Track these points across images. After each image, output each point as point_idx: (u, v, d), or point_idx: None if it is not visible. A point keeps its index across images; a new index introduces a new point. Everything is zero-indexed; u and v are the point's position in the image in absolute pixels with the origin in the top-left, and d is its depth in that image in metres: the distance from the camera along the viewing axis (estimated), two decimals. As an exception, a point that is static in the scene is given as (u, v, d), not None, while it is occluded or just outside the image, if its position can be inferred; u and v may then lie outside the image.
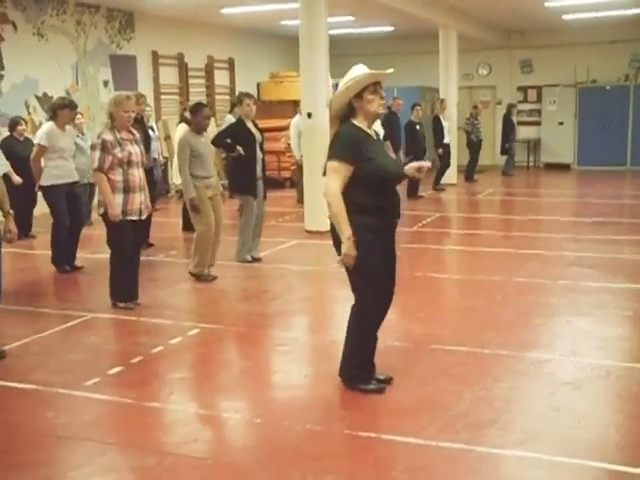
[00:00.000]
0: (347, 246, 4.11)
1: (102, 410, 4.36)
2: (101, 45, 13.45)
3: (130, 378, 4.80)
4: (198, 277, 7.35)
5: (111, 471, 3.61)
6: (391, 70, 4.38)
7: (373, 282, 4.28)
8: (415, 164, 4.48)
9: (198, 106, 7.50)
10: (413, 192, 13.56)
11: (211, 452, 3.81)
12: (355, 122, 4.26)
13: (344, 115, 4.29)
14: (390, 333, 5.41)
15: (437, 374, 4.77)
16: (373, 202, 4.19)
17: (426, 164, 4.50)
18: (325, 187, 4.17)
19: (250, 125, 8.02)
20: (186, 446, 3.82)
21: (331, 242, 4.36)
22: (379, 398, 4.38)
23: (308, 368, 5.17)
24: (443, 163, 14.97)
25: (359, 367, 4.49)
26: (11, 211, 5.56)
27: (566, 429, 3.94)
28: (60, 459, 3.73)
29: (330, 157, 4.19)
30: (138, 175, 6.29)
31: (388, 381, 4.56)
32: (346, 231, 4.11)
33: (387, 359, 4.86)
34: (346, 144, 4.17)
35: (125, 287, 6.36)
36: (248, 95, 8.15)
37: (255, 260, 8.22)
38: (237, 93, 8.64)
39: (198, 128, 7.34)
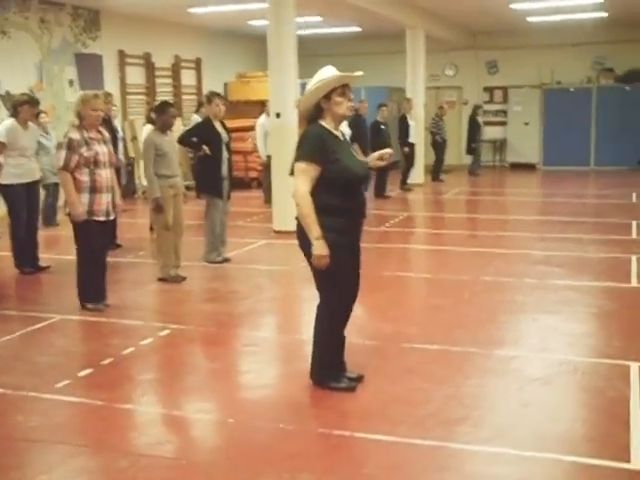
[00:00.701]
0: (318, 247, 4.13)
1: (73, 412, 4.33)
2: (66, 44, 13.29)
3: (101, 380, 4.76)
4: (167, 280, 7.31)
5: (83, 473, 3.58)
6: (360, 73, 4.40)
7: (338, 282, 4.31)
8: (376, 154, 4.55)
9: (164, 105, 7.47)
10: (380, 192, 13.63)
11: (185, 453, 3.80)
12: (322, 123, 4.27)
13: (311, 116, 4.31)
14: (359, 332, 5.46)
15: (407, 372, 4.81)
16: (339, 203, 4.21)
17: (387, 151, 4.57)
18: (294, 188, 4.19)
19: (217, 125, 8.00)
20: (159, 447, 3.81)
21: (297, 242, 4.37)
22: (350, 397, 4.41)
23: (278, 368, 5.18)
24: (408, 163, 15.06)
25: (328, 366, 4.52)
26: None
27: (535, 424, 4.01)
28: (31, 463, 3.69)
29: (298, 158, 4.20)
30: (105, 175, 6.21)
31: (359, 379, 4.59)
32: (315, 231, 4.12)
33: (357, 357, 4.90)
34: (313, 145, 4.18)
35: (94, 288, 6.31)
36: (218, 95, 8.14)
37: (225, 260, 8.21)
38: (206, 92, 8.59)
39: (163, 127, 7.31)
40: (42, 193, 9.03)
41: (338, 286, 4.33)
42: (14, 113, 7.69)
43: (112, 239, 8.59)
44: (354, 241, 4.42)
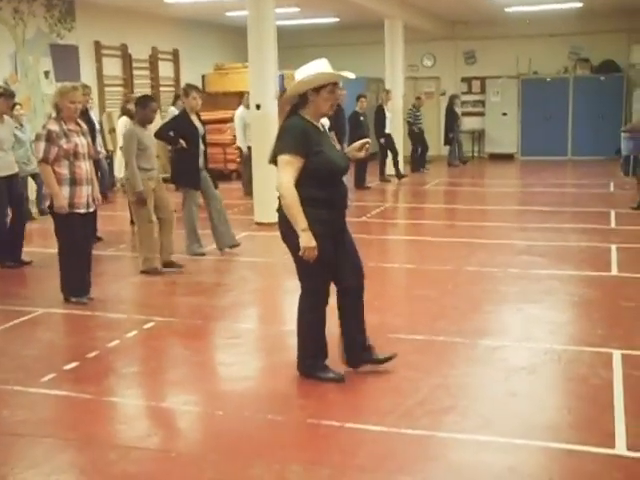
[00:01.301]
0: (305, 238, 4.13)
1: (60, 406, 4.31)
2: (41, 34, 13.11)
3: (87, 373, 4.74)
4: (149, 273, 7.28)
5: (73, 467, 3.57)
6: (353, 75, 4.44)
7: (320, 272, 4.32)
8: (356, 144, 4.57)
9: (147, 99, 7.46)
10: (360, 183, 13.65)
11: (174, 445, 3.79)
12: (304, 115, 4.28)
13: (294, 104, 4.32)
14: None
15: (394, 362, 4.79)
16: (321, 194, 4.23)
17: (366, 140, 4.60)
18: (278, 181, 4.19)
19: (194, 118, 7.99)
20: (148, 440, 3.80)
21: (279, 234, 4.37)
22: (337, 387, 4.41)
23: (264, 359, 5.18)
24: (383, 155, 15.05)
25: (313, 356, 4.53)
26: None
27: (522, 412, 4.05)
28: (18, 457, 3.66)
29: (281, 151, 4.20)
30: (85, 167, 6.17)
31: (392, 357, 4.62)
32: (301, 223, 4.13)
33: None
34: (296, 137, 4.18)
35: (77, 281, 6.26)
36: (195, 88, 8.11)
37: (234, 246, 8.22)
38: (183, 85, 8.54)
39: (144, 121, 7.30)
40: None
41: (320, 276, 4.34)
42: None
43: (93, 232, 8.51)
44: (337, 231, 4.42)
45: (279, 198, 4.23)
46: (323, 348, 4.55)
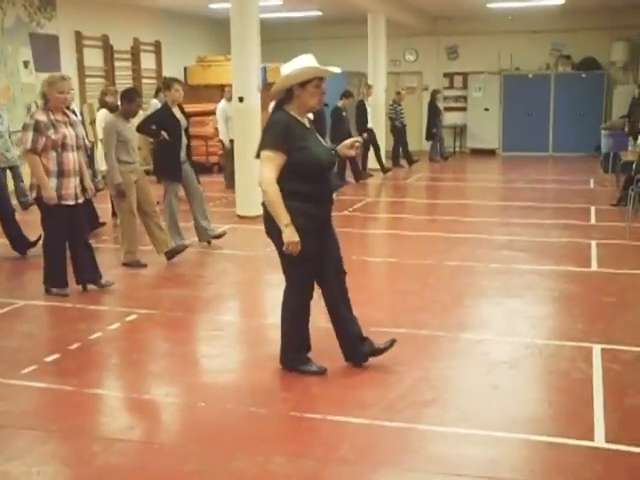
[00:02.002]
0: (288, 234, 4.14)
1: (41, 398, 4.29)
2: (20, 23, 12.94)
3: (69, 365, 4.72)
4: (132, 265, 7.25)
5: (55, 459, 3.56)
6: (338, 70, 4.43)
7: (304, 266, 4.33)
8: (347, 142, 4.58)
9: (133, 93, 7.47)
10: (340, 178, 13.63)
11: (157, 437, 3.80)
12: (289, 110, 4.28)
13: (279, 99, 4.32)
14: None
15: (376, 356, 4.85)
16: (306, 189, 4.24)
17: (356, 139, 4.63)
18: (260, 176, 4.21)
19: (176, 110, 7.98)
20: (131, 431, 3.80)
21: (262, 227, 4.37)
22: (320, 380, 4.44)
23: (246, 352, 5.18)
24: (365, 149, 15.04)
25: (297, 350, 4.54)
26: None
27: (503, 406, 4.09)
28: (1, 449, 3.64)
29: (264, 146, 4.21)
30: (73, 159, 6.11)
31: (392, 343, 4.63)
32: (284, 219, 4.14)
33: (326, 341, 4.91)
34: (279, 133, 4.19)
35: (59, 272, 6.22)
36: (177, 80, 8.14)
37: (219, 237, 8.27)
38: (164, 77, 8.52)
39: (127, 114, 7.29)
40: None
41: (304, 270, 4.36)
42: None
43: (93, 220, 8.66)
44: (322, 227, 4.44)
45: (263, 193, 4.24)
46: (306, 341, 4.57)
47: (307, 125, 4.38)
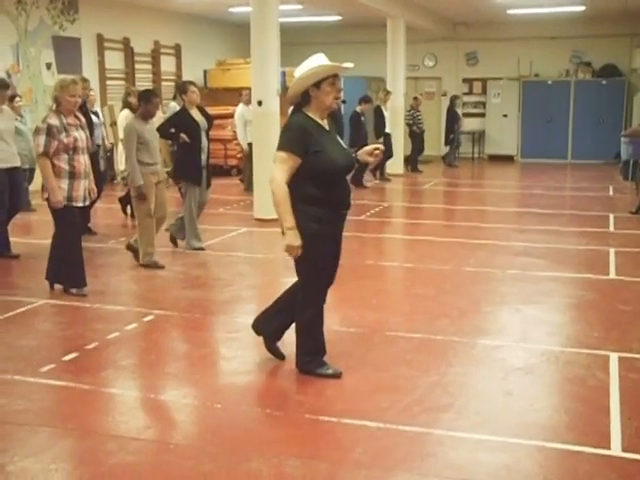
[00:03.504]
0: (289, 237, 4.15)
1: (59, 396, 4.32)
2: (43, 26, 13.10)
3: (86, 364, 4.76)
4: (149, 266, 7.30)
5: (72, 457, 3.59)
6: (351, 65, 4.40)
7: (318, 271, 4.35)
8: (368, 148, 4.59)
9: (150, 94, 7.49)
10: (357, 182, 13.65)
11: (173, 437, 3.81)
12: (308, 112, 4.28)
13: (297, 103, 4.32)
14: (344, 320, 5.52)
15: (392, 360, 4.86)
16: (320, 193, 4.22)
17: (379, 146, 4.62)
18: (271, 176, 4.20)
19: (194, 112, 8.00)
20: (148, 431, 3.82)
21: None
22: (336, 383, 4.44)
23: (263, 354, 5.15)
24: (384, 153, 15.05)
25: (312, 353, 4.56)
26: None
27: (519, 412, 4.07)
28: (18, 446, 3.67)
29: (279, 147, 4.21)
30: (83, 161, 6.20)
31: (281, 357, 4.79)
32: (288, 221, 4.14)
33: (342, 345, 4.96)
34: (295, 136, 4.19)
35: (78, 273, 6.28)
36: (191, 82, 8.24)
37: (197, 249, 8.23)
38: (176, 83, 8.61)
39: (145, 115, 7.32)
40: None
41: (319, 275, 4.37)
42: None
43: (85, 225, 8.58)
44: (337, 232, 4.45)
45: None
46: (321, 345, 4.58)
47: (326, 127, 4.36)
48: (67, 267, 6.29)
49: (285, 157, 4.15)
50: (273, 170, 4.19)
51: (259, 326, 4.84)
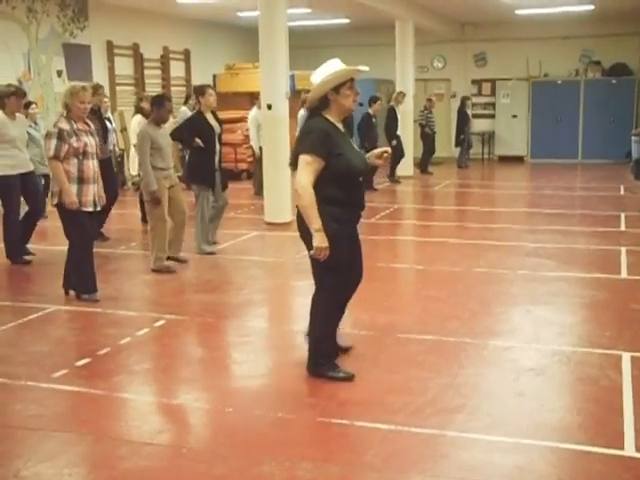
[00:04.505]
0: (318, 239, 4.18)
1: (72, 402, 4.35)
2: (54, 33, 13.20)
3: (99, 369, 4.78)
4: (161, 271, 7.33)
5: (86, 461, 3.61)
6: (366, 68, 4.45)
7: (337, 271, 4.37)
8: (376, 151, 4.66)
9: (161, 99, 7.53)
10: (367, 184, 13.66)
11: (185, 441, 3.82)
12: (327, 116, 4.33)
13: (316, 107, 4.37)
14: (356, 322, 5.52)
15: (404, 362, 4.86)
16: (341, 194, 4.28)
17: (386, 149, 4.69)
18: (297, 180, 4.25)
19: (209, 117, 8.04)
20: (160, 435, 3.84)
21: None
22: (347, 386, 4.44)
23: (274, 358, 5.20)
24: (396, 155, 15.06)
25: (325, 355, 4.57)
26: None
27: (531, 413, 4.06)
28: (32, 451, 3.70)
29: (303, 150, 4.25)
30: (92, 167, 6.25)
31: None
32: (315, 223, 4.18)
33: (354, 347, 4.95)
34: (319, 139, 4.23)
35: (89, 279, 6.31)
36: (209, 86, 8.26)
37: (212, 244, 8.36)
38: (194, 85, 8.65)
39: (158, 120, 7.36)
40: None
41: (336, 276, 4.39)
42: (1, 105, 7.65)
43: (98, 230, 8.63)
44: (354, 231, 4.53)
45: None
46: (334, 347, 4.59)
47: (342, 130, 4.43)
48: (78, 273, 6.32)
49: (310, 160, 4.21)
50: (299, 174, 4.24)
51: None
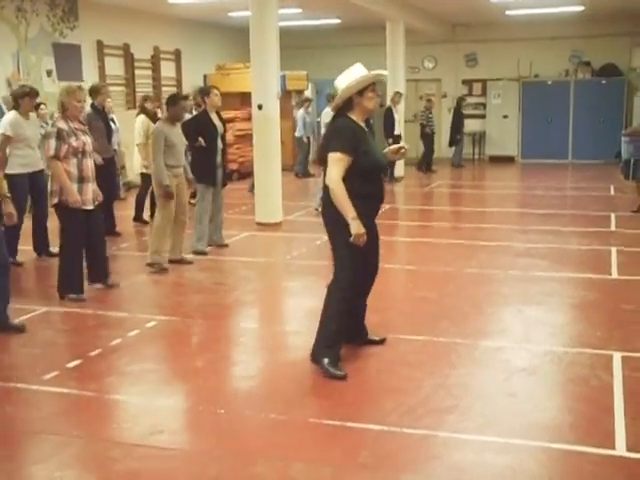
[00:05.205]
0: (355, 226, 4.43)
1: (63, 404, 4.33)
2: (43, 33, 13.11)
3: (90, 371, 4.77)
4: (154, 266, 7.35)
5: (78, 463, 3.60)
6: (386, 72, 4.87)
7: (356, 261, 4.61)
8: (393, 147, 5.05)
9: (176, 97, 7.73)
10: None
11: (178, 443, 3.82)
12: (352, 116, 4.62)
13: (340, 109, 4.67)
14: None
15: (395, 362, 4.87)
16: (365, 189, 4.58)
17: (402, 145, 5.07)
18: (328, 175, 4.54)
19: (213, 116, 8.19)
20: (152, 437, 3.82)
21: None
22: (339, 386, 4.45)
23: (266, 359, 5.20)
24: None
25: (332, 345, 4.65)
26: (8, 194, 5.64)
27: (523, 413, 4.08)
28: (24, 453, 3.70)
29: (333, 149, 4.52)
30: (90, 165, 6.33)
31: (383, 341, 5.13)
32: (351, 213, 4.43)
33: (345, 348, 4.94)
34: (348, 137, 4.54)
35: (76, 278, 6.32)
36: (214, 86, 8.46)
37: (222, 246, 8.48)
38: (200, 87, 8.71)
39: (173, 119, 7.50)
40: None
41: (355, 265, 4.62)
42: (15, 105, 7.68)
43: (110, 225, 8.94)
44: (374, 224, 4.79)
45: (327, 190, 4.56)
46: (340, 339, 4.71)
47: (365, 129, 4.72)
48: (67, 271, 6.32)
49: (341, 157, 4.50)
50: (329, 170, 4.52)
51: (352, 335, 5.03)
